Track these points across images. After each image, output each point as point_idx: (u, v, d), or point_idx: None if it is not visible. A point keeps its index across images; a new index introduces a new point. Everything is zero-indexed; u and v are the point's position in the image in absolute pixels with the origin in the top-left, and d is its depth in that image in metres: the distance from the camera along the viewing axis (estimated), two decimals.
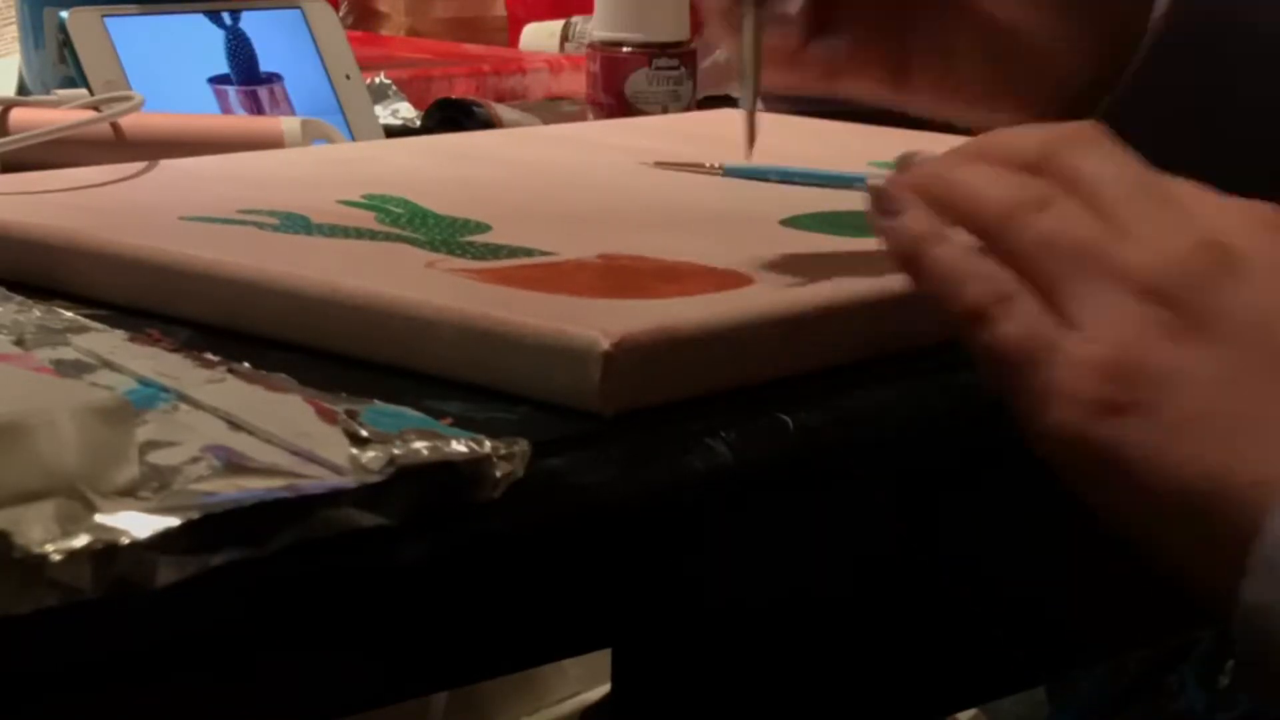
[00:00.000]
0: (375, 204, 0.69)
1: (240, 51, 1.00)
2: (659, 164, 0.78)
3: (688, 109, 1.04)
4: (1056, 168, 0.49)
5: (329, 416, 0.47)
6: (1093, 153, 0.50)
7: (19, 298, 0.60)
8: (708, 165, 0.76)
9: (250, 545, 0.42)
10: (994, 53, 0.60)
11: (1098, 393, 0.47)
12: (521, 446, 0.46)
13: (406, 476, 0.44)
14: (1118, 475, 0.47)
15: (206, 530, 0.41)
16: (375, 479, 0.44)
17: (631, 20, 1.03)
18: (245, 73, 1.00)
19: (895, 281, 0.59)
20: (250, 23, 1.01)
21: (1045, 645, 0.64)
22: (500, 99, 1.17)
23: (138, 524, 0.40)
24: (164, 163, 0.78)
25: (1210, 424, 0.47)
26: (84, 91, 0.93)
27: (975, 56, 0.60)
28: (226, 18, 1.01)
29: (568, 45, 1.40)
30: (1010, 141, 0.51)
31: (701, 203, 0.64)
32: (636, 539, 0.49)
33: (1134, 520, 0.48)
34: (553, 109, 1.19)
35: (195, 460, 0.44)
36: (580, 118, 1.14)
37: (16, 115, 0.86)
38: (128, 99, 0.84)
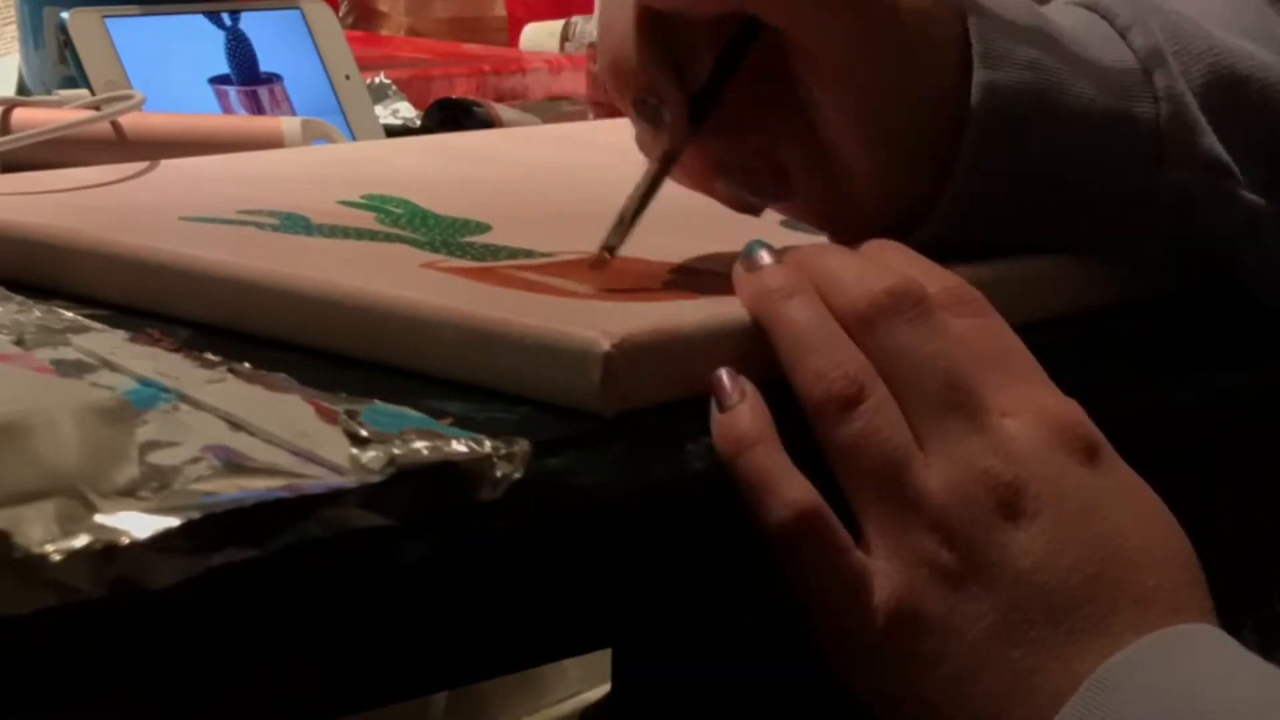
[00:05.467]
0: (375, 204, 0.69)
1: (240, 51, 1.00)
2: None
3: None
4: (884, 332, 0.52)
5: (329, 416, 0.47)
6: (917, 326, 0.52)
7: (19, 298, 0.60)
8: None
9: (250, 545, 0.42)
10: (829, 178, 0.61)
11: (884, 636, 0.50)
12: (522, 446, 0.46)
13: (406, 476, 0.44)
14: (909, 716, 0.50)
15: (206, 530, 0.41)
16: (375, 479, 0.44)
17: None
18: (245, 73, 1.00)
19: None
20: (250, 23, 1.01)
21: None
22: (500, 99, 1.17)
23: (138, 524, 0.40)
24: (164, 163, 0.78)
25: (983, 679, 0.49)
26: (85, 92, 0.93)
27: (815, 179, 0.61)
28: (226, 18, 1.01)
29: (568, 45, 1.40)
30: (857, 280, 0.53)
31: (701, 203, 0.64)
32: (636, 539, 0.49)
33: None
34: (553, 109, 1.19)
35: (195, 460, 0.44)
36: (580, 118, 1.14)
37: (18, 115, 0.86)
38: (128, 98, 0.84)
